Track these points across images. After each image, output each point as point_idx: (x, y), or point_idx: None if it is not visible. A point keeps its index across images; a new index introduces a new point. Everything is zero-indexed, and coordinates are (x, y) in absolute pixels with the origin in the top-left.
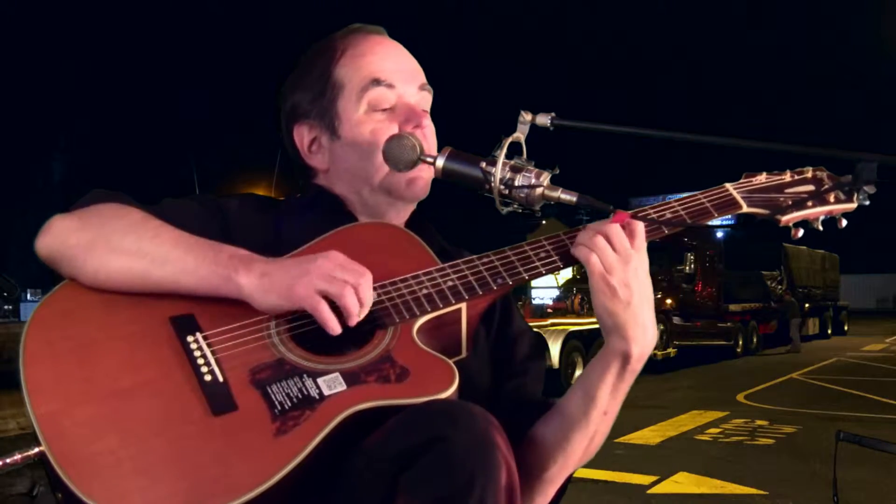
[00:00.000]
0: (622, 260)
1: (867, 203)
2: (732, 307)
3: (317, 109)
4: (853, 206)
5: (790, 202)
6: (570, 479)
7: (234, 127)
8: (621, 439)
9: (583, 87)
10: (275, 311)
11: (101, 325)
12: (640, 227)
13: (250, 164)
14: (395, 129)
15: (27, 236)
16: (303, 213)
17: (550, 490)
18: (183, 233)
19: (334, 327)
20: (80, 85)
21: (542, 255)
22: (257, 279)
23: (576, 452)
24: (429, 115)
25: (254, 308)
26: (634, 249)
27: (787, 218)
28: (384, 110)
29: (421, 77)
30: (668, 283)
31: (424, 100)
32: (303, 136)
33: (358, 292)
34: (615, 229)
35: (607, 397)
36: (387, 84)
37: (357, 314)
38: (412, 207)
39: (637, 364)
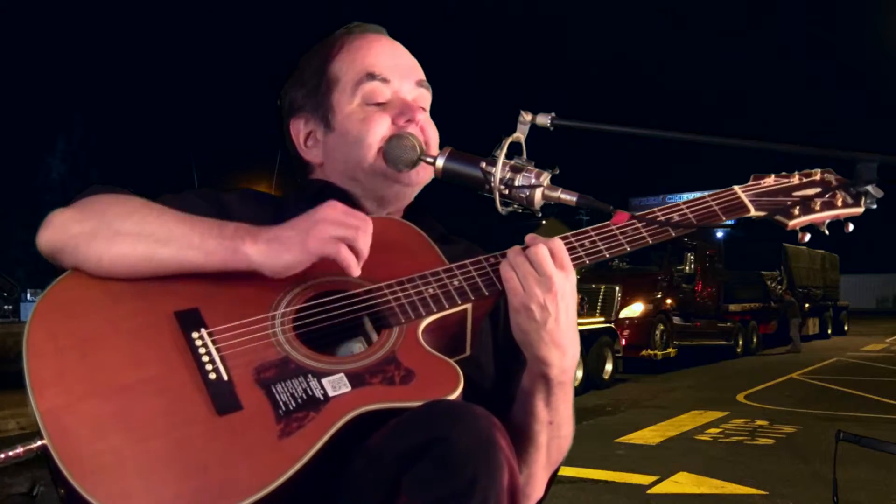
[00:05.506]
0: (544, 283)
1: (874, 207)
2: (732, 307)
3: (311, 103)
4: (860, 210)
5: (798, 206)
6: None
7: (233, 127)
8: (621, 439)
9: (582, 87)
10: (290, 272)
11: (104, 318)
12: (560, 246)
13: (250, 164)
14: (387, 121)
15: (26, 236)
16: (306, 207)
17: None
18: (186, 214)
19: (355, 270)
20: (80, 84)
21: None
22: (265, 245)
23: (535, 462)
24: (427, 112)
25: (259, 302)
26: (560, 269)
27: (795, 223)
28: (378, 104)
29: (418, 74)
30: (668, 283)
31: (422, 97)
32: (299, 130)
33: (362, 238)
34: (538, 251)
35: (544, 409)
36: (381, 78)
37: (364, 257)
38: (415, 190)
39: (562, 377)
